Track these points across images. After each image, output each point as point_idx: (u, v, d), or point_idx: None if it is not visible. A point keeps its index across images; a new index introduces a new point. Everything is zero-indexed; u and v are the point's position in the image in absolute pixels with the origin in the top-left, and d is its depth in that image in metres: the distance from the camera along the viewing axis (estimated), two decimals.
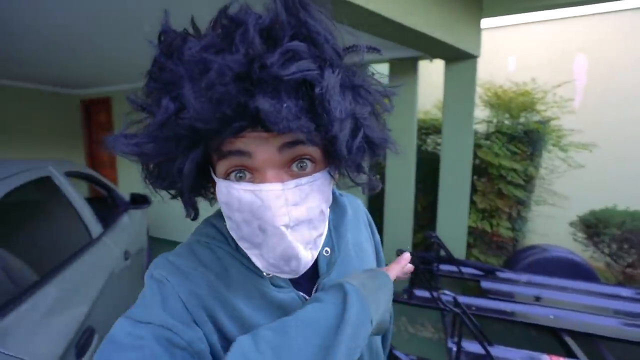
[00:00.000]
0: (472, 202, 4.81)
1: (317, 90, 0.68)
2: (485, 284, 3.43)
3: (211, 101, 0.65)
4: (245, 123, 0.67)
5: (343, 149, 0.73)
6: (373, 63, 4.03)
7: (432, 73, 6.09)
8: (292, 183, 0.75)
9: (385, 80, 0.84)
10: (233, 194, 0.76)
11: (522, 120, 4.79)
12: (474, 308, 3.00)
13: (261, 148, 0.73)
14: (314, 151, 0.77)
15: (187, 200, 0.85)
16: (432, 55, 4.26)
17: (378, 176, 0.87)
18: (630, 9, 5.21)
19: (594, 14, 5.40)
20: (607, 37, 5.31)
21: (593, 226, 4.48)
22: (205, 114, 0.65)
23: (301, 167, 0.77)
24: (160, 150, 0.72)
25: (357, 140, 0.76)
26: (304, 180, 0.77)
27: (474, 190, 4.83)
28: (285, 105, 0.65)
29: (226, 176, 0.77)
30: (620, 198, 5.06)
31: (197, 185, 0.83)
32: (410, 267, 1.05)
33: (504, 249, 4.75)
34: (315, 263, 0.93)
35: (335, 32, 0.75)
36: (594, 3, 4.03)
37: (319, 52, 0.70)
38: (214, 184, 0.83)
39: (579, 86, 5.51)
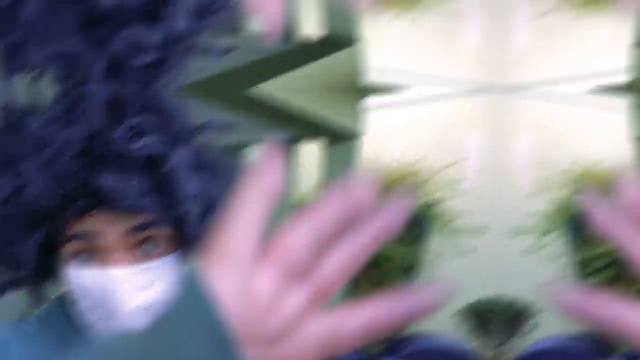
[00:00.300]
0: (345, 290, 4.56)
1: (165, 168, 0.65)
2: None
3: (52, 178, 0.63)
4: (88, 202, 0.66)
5: (193, 230, 0.71)
6: (245, 145, 3.81)
7: (309, 155, 5.95)
8: (140, 267, 0.71)
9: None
10: (81, 279, 0.71)
11: None
12: None
13: (110, 228, 0.69)
14: (166, 233, 0.73)
15: (34, 287, 0.78)
16: (311, 137, 4.14)
17: None
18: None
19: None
20: (499, 114, 5.34)
21: (481, 315, 4.33)
22: (47, 192, 0.64)
23: (153, 248, 0.72)
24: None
25: (209, 222, 0.71)
26: (153, 264, 0.72)
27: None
28: (130, 183, 0.64)
29: (73, 258, 0.71)
30: (509, 286, 4.96)
31: (44, 268, 0.75)
32: None
33: (382, 338, 4.51)
34: None
35: (188, 107, 0.73)
36: None
37: (169, 127, 0.68)
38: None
39: (469, 166, 5.48)
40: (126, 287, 0.69)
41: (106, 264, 0.70)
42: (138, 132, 0.65)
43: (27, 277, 0.76)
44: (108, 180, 0.63)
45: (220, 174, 0.74)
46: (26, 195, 0.64)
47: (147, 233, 0.71)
